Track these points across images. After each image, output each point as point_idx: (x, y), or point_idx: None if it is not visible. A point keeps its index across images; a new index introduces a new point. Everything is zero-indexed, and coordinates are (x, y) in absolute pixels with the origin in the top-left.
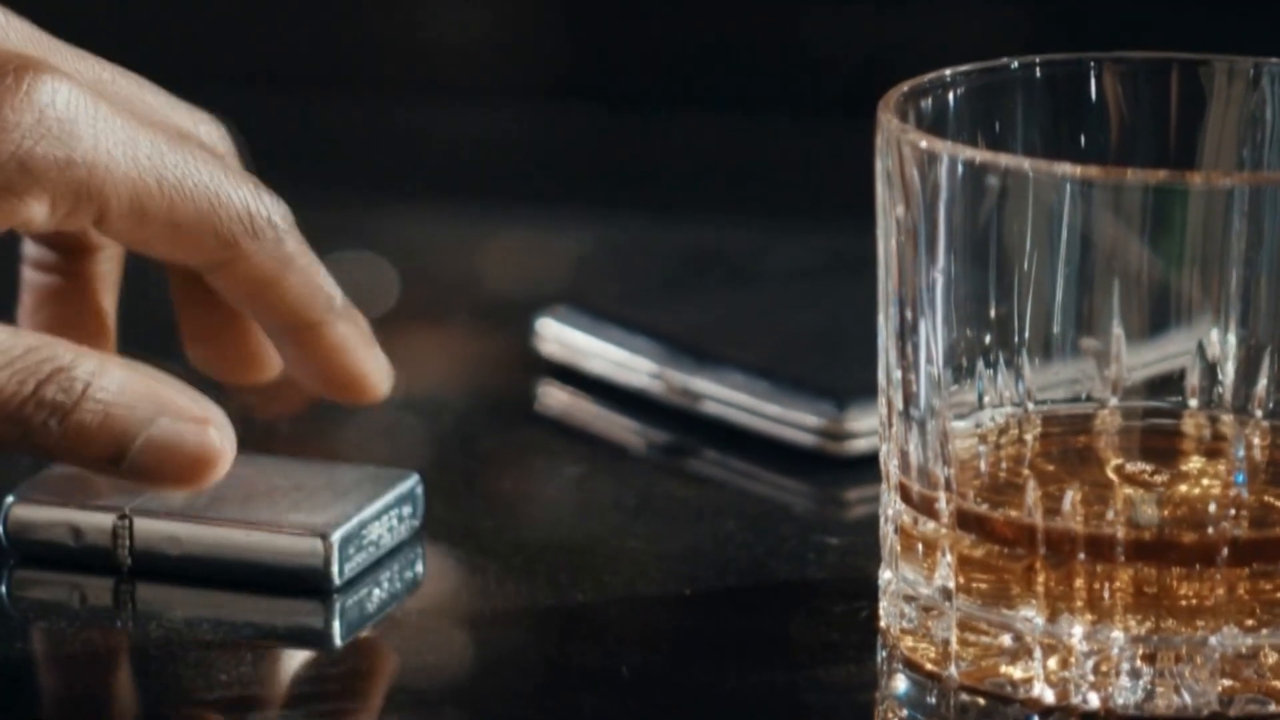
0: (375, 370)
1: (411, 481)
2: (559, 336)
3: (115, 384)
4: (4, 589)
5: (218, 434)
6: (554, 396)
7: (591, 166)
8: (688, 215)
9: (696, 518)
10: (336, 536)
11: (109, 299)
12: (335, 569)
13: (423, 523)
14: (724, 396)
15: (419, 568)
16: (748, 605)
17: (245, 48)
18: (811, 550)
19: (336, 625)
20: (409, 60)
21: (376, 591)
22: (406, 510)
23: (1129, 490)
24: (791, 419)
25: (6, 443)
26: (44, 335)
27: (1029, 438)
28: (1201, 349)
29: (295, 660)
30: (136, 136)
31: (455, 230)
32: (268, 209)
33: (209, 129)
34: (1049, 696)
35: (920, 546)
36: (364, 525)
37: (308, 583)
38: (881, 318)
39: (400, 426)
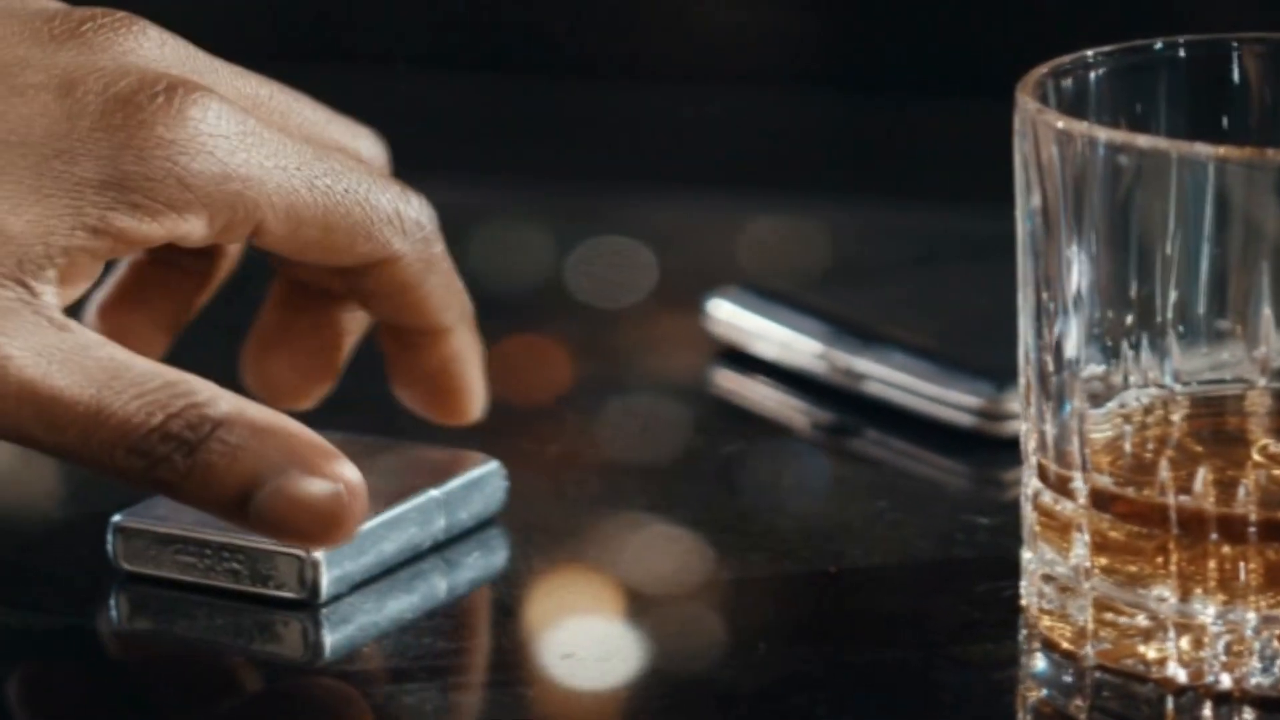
0: (479, 389)
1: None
2: (729, 317)
3: (248, 426)
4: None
5: (349, 496)
6: (722, 376)
7: (840, 151)
8: (931, 200)
9: (849, 497)
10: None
11: (200, 298)
12: None
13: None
14: (885, 377)
15: (556, 535)
16: (891, 583)
17: (504, 33)
18: (960, 530)
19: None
20: (666, 46)
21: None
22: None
23: (1265, 470)
24: (950, 399)
25: (131, 475)
26: (184, 372)
27: (1176, 418)
28: None
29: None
30: (285, 148)
31: (687, 212)
32: (416, 210)
33: (367, 143)
34: (1182, 677)
35: (1057, 526)
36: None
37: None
38: (1021, 298)
39: (574, 400)
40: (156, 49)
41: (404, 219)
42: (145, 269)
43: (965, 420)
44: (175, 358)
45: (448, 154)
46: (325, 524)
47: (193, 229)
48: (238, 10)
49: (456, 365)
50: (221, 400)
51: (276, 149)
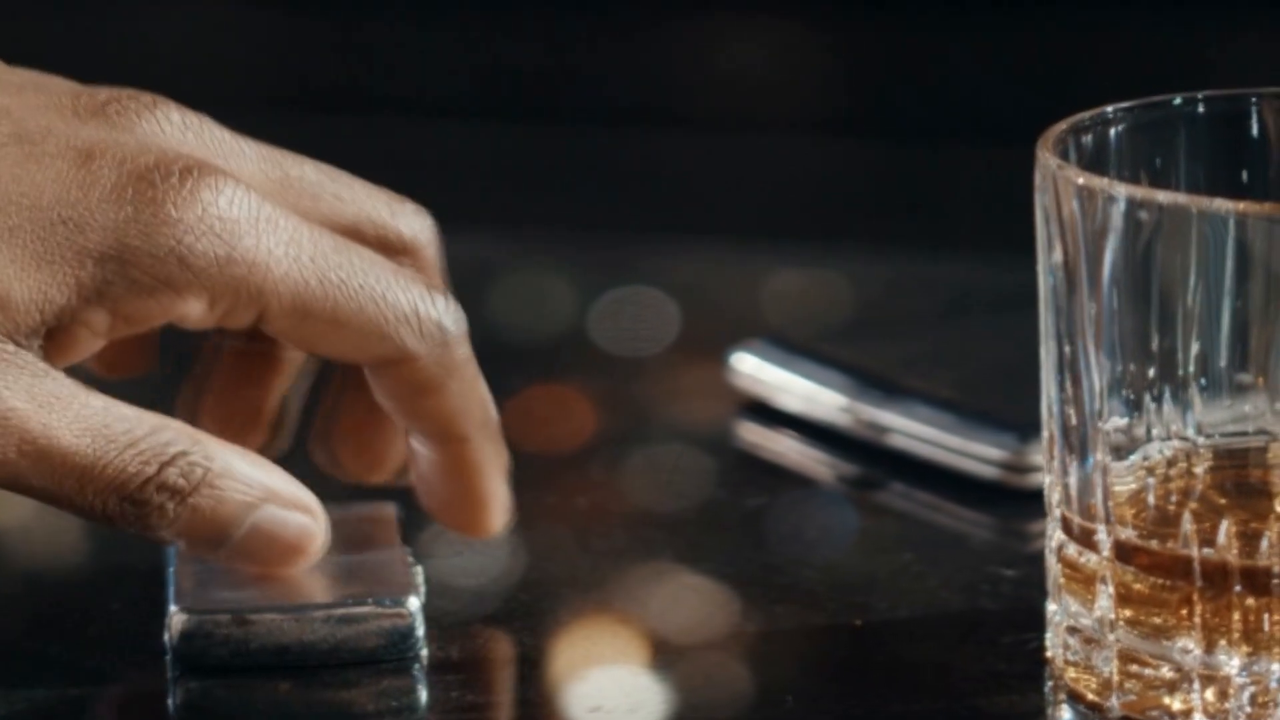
0: (501, 502)
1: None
2: (753, 370)
3: (229, 470)
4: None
5: (314, 522)
6: (746, 429)
7: (866, 201)
8: (958, 251)
9: (875, 549)
10: None
11: (279, 388)
12: None
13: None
14: (909, 429)
15: (584, 587)
16: (916, 635)
17: (533, 86)
18: (986, 581)
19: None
20: (690, 94)
21: (525, 602)
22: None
23: None
24: (974, 451)
25: (122, 520)
26: (169, 418)
27: (1199, 470)
28: None
29: None
30: (300, 236)
31: (711, 263)
32: (439, 313)
33: (410, 220)
34: None
35: (1082, 578)
36: None
37: (392, 653)
38: (1043, 352)
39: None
40: (180, 131)
41: (422, 320)
42: (229, 362)
43: (989, 472)
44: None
45: (470, 203)
46: (294, 552)
47: (191, 310)
48: (267, 61)
49: (475, 476)
50: (206, 445)
51: (291, 237)
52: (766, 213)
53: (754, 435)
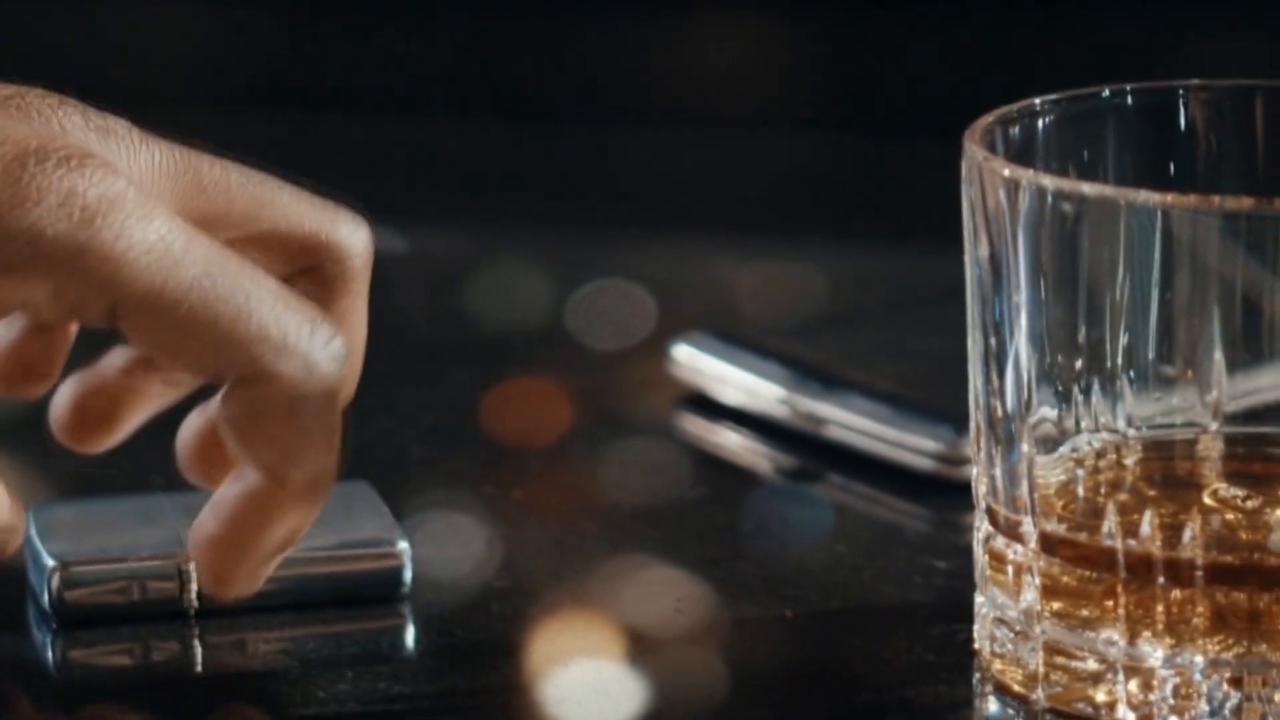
0: (262, 568)
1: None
2: (692, 362)
3: None
4: (57, 655)
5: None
6: (686, 420)
7: (825, 195)
8: (908, 243)
9: (810, 541)
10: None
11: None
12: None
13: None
14: (847, 421)
15: (520, 580)
16: (846, 627)
17: (513, 82)
18: (919, 573)
19: (411, 636)
20: (665, 89)
21: (457, 600)
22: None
23: (1217, 514)
24: (910, 443)
25: None
26: None
27: (1129, 462)
28: None
29: (387, 671)
30: (173, 238)
31: (662, 256)
32: (308, 344)
33: (339, 229)
34: (1131, 719)
35: (1009, 570)
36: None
37: (384, 591)
38: (970, 343)
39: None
40: (80, 131)
41: (287, 346)
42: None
43: (925, 464)
44: None
45: (430, 198)
46: None
47: (35, 296)
48: (248, 60)
49: (263, 527)
50: None
51: (161, 236)
52: (722, 207)
53: (693, 427)
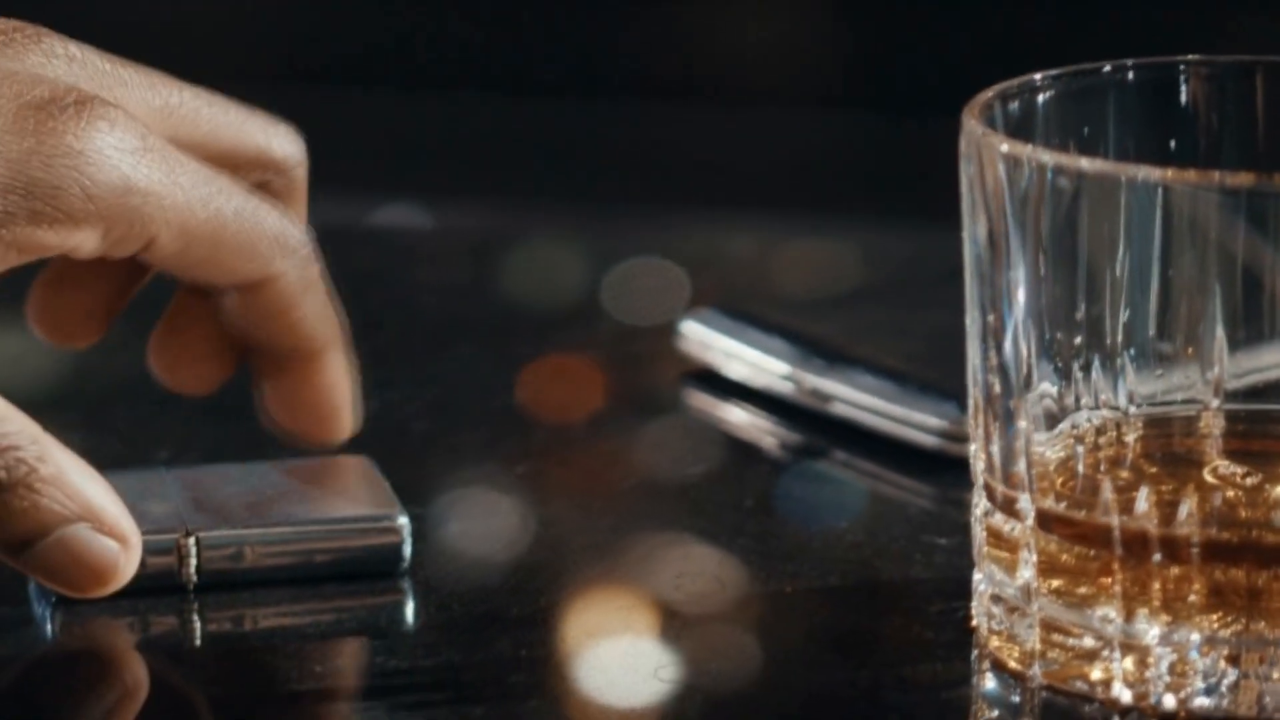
0: (351, 409)
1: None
2: (700, 338)
3: (57, 478)
4: (55, 629)
5: (125, 557)
6: (693, 396)
7: (845, 172)
8: (919, 219)
9: (811, 517)
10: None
11: (134, 287)
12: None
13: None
14: (851, 398)
15: (520, 555)
16: (845, 604)
17: (560, 59)
18: (919, 550)
19: (410, 612)
20: (692, 68)
21: (457, 575)
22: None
23: (1219, 491)
24: (914, 420)
25: None
26: (15, 409)
27: (1130, 439)
28: None
29: (382, 646)
30: (182, 166)
31: (676, 231)
32: (296, 232)
33: (284, 143)
34: (1127, 697)
35: (1006, 547)
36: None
37: (383, 566)
38: (969, 320)
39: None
40: (65, 63)
41: (286, 239)
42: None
43: (929, 441)
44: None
45: (446, 174)
46: (92, 580)
47: (85, 240)
48: (282, 33)
49: (329, 386)
50: (46, 448)
51: (174, 166)
52: (734, 184)
53: (700, 403)
